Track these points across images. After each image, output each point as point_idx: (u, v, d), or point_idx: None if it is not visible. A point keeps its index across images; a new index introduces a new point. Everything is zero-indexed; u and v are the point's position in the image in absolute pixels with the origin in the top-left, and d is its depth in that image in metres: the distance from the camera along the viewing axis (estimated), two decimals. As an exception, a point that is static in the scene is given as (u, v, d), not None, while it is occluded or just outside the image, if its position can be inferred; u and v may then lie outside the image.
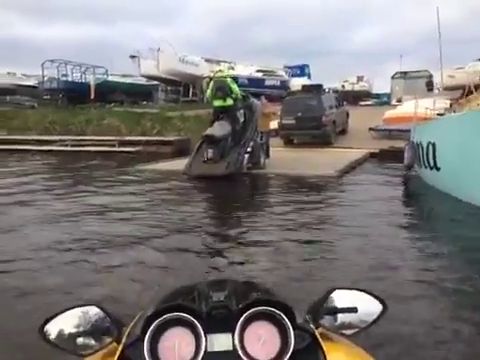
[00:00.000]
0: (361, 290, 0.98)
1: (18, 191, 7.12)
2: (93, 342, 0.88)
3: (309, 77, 26.44)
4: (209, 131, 8.36)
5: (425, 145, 6.88)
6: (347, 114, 15.04)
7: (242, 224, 5.08)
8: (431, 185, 6.87)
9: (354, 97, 24.24)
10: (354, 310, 0.92)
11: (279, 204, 6.14)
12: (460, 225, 4.87)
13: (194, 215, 5.53)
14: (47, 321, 0.89)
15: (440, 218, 5.58)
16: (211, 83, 8.92)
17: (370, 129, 13.37)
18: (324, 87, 15.32)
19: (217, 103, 8.68)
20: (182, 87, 21.12)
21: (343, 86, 26.49)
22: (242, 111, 9.03)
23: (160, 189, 7.35)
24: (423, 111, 8.29)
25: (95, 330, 0.89)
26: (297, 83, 19.54)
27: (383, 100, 25.39)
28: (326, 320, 0.93)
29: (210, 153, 8.20)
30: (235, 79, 8.80)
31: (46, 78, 20.83)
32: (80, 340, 0.88)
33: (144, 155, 11.82)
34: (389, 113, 14.33)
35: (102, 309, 0.92)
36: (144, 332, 0.81)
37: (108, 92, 20.42)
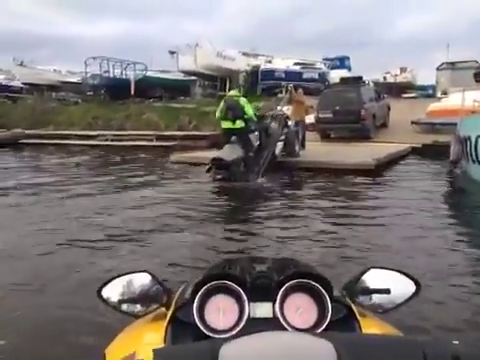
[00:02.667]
0: (396, 270, 1.00)
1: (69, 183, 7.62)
2: (145, 305, 0.98)
3: (349, 69, 25.63)
4: (218, 154, 7.40)
5: (474, 139, 6.47)
6: (388, 107, 14.47)
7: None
8: (478, 180, 6.47)
9: (396, 89, 23.29)
10: (387, 291, 0.95)
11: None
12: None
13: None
14: (104, 284, 0.99)
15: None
16: (221, 103, 7.84)
17: (412, 123, 12.79)
18: (364, 79, 14.80)
19: (225, 125, 7.60)
20: (219, 81, 21.17)
21: (385, 78, 25.50)
22: (257, 134, 7.96)
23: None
24: (470, 104, 7.80)
25: (147, 294, 0.98)
26: (336, 75, 19.01)
27: (427, 92, 24.15)
28: (360, 298, 0.97)
29: (220, 176, 7.34)
30: (248, 99, 7.74)
31: (89, 75, 21.56)
32: (133, 303, 0.98)
33: (179, 149, 12.01)
34: (433, 106, 13.61)
35: (153, 276, 1.01)
36: (193, 297, 0.87)
37: (147, 88, 20.82)
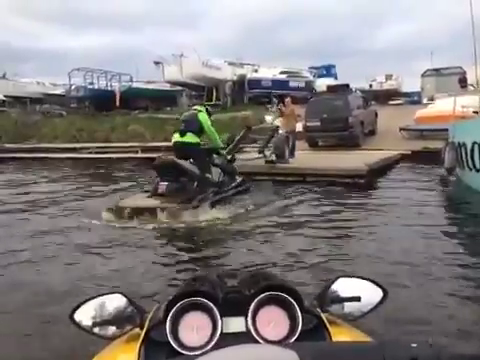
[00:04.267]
0: (364, 278, 1.03)
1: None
2: (118, 327, 0.97)
3: (336, 77, 25.77)
4: (173, 158, 6.18)
5: (470, 145, 6.30)
6: (376, 114, 14.43)
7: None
8: (475, 188, 6.29)
9: (383, 96, 23.42)
10: (358, 299, 0.98)
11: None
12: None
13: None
14: (77, 307, 0.97)
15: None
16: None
17: (401, 129, 12.72)
18: (351, 87, 14.76)
19: (175, 138, 6.36)
20: (206, 91, 21.01)
21: (371, 85, 25.67)
22: (219, 171, 6.71)
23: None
24: (459, 109, 7.70)
25: (121, 316, 0.98)
26: (323, 84, 19.02)
27: (413, 98, 24.38)
28: (331, 307, 0.99)
29: (163, 187, 5.80)
30: (209, 114, 6.59)
31: (73, 86, 21.22)
32: (106, 325, 0.97)
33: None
34: (421, 112, 13.61)
35: (126, 297, 1.00)
36: (165, 316, 0.88)
37: (133, 99, 20.55)
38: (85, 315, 0.97)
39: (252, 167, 8.85)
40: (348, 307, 0.99)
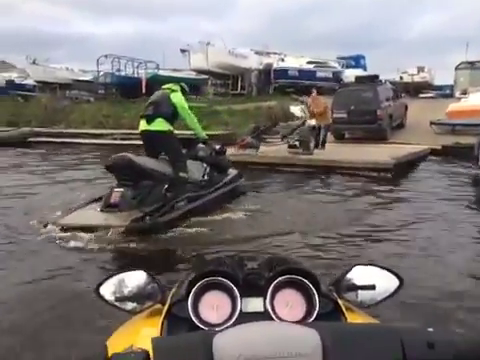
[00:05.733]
0: (380, 266, 1.03)
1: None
2: (139, 302, 1.01)
3: (365, 68, 25.09)
4: (129, 155, 4.64)
5: None
6: (405, 107, 13.98)
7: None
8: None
9: (414, 89, 22.68)
10: (372, 287, 1.00)
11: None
12: None
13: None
14: (102, 283, 1.03)
15: None
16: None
17: (431, 123, 12.28)
18: (380, 78, 14.32)
19: (141, 125, 5.10)
20: (231, 80, 20.87)
21: (401, 77, 24.84)
22: (204, 166, 5.45)
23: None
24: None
25: (143, 292, 1.02)
26: (351, 74, 18.55)
27: (445, 92, 23.50)
28: (347, 294, 1.01)
29: (117, 195, 4.42)
30: (184, 92, 5.25)
31: (101, 73, 21.51)
32: (128, 300, 1.01)
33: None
34: (453, 106, 13.07)
35: (149, 274, 1.04)
36: (187, 293, 0.91)
37: (158, 86, 20.51)
38: (109, 289, 1.02)
39: (273, 157, 8.73)
40: (363, 295, 1.00)
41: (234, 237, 4.27)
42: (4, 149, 12.10)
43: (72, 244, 3.95)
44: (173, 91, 5.13)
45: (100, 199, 4.65)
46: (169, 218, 4.48)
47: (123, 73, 21.45)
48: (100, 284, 1.03)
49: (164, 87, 5.32)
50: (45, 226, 4.24)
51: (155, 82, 21.02)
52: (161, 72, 21.76)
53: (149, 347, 0.60)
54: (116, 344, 0.86)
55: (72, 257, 3.74)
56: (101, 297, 1.02)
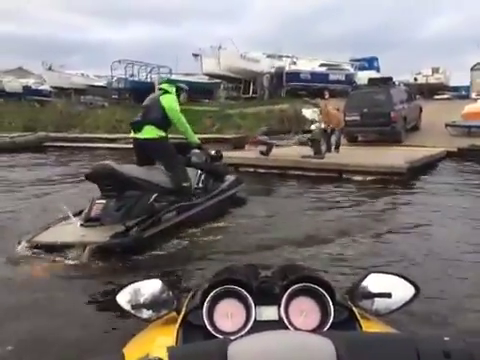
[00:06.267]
0: (395, 274, 1.02)
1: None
2: (155, 310, 1.02)
3: (378, 70, 24.83)
4: (111, 163, 4.17)
5: None
6: (420, 109, 13.78)
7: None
8: None
9: (428, 90, 22.34)
10: (388, 295, 0.98)
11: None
12: None
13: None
14: (120, 290, 1.05)
15: None
16: None
17: (447, 125, 12.07)
18: (394, 80, 14.16)
19: (131, 134, 4.74)
20: (243, 84, 20.91)
21: (416, 79, 24.52)
22: (198, 173, 5.11)
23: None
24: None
25: (158, 300, 1.03)
26: (364, 77, 18.38)
27: (461, 93, 23.10)
28: (362, 302, 1.00)
29: (98, 207, 3.98)
30: (179, 93, 4.83)
31: (115, 78, 21.81)
32: (144, 308, 1.03)
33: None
34: (469, 107, 12.84)
35: (164, 283, 1.06)
36: (202, 301, 0.92)
37: (171, 91, 20.86)
38: (125, 298, 1.05)
39: (284, 161, 8.70)
40: (378, 303, 0.99)
41: (242, 248, 3.96)
42: (16, 154, 12.37)
43: (37, 269, 3.37)
44: (165, 93, 4.69)
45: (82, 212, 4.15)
46: (155, 231, 3.98)
47: (136, 78, 21.70)
48: (118, 291, 1.06)
49: (158, 86, 4.87)
50: (19, 243, 3.73)
51: (168, 87, 21.39)
52: (174, 76, 21.92)
53: (164, 355, 0.60)
54: (132, 352, 0.86)
55: (26, 290, 3.06)
56: (119, 305, 1.05)
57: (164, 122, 4.58)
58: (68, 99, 22.90)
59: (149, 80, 21.60)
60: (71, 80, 23.93)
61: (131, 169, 4.34)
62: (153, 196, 4.16)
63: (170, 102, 4.60)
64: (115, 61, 21.52)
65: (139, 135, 4.55)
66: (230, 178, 5.67)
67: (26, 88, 25.87)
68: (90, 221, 3.92)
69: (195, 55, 20.18)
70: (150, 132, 4.52)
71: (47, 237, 3.81)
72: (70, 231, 3.86)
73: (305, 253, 3.82)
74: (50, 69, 23.45)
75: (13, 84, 26.06)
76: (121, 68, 21.74)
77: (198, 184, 5.04)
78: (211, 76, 21.46)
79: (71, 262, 3.48)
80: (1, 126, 18.86)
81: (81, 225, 3.91)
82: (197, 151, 5.19)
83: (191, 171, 4.92)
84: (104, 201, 3.99)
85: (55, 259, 3.51)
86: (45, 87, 25.08)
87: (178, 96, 4.75)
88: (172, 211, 4.35)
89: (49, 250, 3.62)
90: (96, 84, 23.94)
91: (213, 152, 5.46)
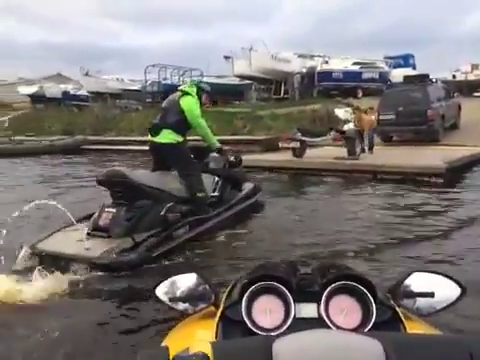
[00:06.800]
0: (440, 273, 0.99)
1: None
2: (192, 304, 1.04)
3: (414, 67, 24.04)
4: (122, 169, 4.10)
5: None
6: (459, 107, 13.22)
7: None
8: None
9: (467, 87, 21.42)
10: (431, 295, 0.95)
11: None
12: None
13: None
14: (158, 284, 1.08)
15: None
16: None
17: (488, 123, 11.51)
18: (431, 77, 13.67)
19: (149, 137, 4.48)
20: (274, 85, 20.83)
21: (454, 76, 23.57)
22: (215, 180, 4.79)
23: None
24: None
25: (195, 294, 1.04)
26: (399, 74, 17.84)
27: (504, 90, 21.96)
28: (404, 302, 0.97)
29: (107, 217, 3.73)
30: (200, 93, 4.46)
31: (148, 82, 22.32)
32: (183, 301, 1.05)
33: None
34: (513, 104, 12.20)
35: (201, 277, 1.07)
36: (241, 297, 0.92)
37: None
38: (163, 290, 1.07)
39: (317, 163, 8.59)
40: (421, 302, 0.97)
41: (278, 247, 3.95)
42: (56, 156, 12.92)
43: (32, 286, 2.96)
44: (184, 94, 4.37)
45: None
46: (164, 250, 3.67)
47: (169, 81, 22.09)
48: (157, 285, 1.08)
49: (179, 88, 4.62)
50: (21, 248, 3.48)
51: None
52: (205, 79, 22.17)
53: (206, 349, 0.61)
54: (173, 345, 0.87)
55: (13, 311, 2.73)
56: (158, 298, 1.07)
57: (183, 126, 4.33)
58: (104, 103, 23.65)
59: (181, 83, 21.96)
60: (107, 85, 24.70)
61: (143, 176, 4.15)
62: (165, 207, 3.86)
63: (190, 104, 4.32)
64: (149, 65, 22.04)
65: (156, 139, 4.33)
66: (248, 186, 5.36)
67: (65, 93, 26.93)
68: (97, 230, 3.68)
69: (226, 57, 20.32)
70: (167, 136, 4.28)
71: (50, 245, 3.56)
72: (75, 241, 3.58)
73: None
74: (87, 75, 24.32)
75: (53, 90, 27.21)
76: (154, 72, 22.23)
77: (214, 192, 4.72)
78: (242, 78, 21.53)
79: (72, 277, 3.17)
80: (42, 130, 19.81)
81: (88, 233, 3.66)
82: (216, 155, 4.88)
83: (208, 178, 4.62)
84: (114, 210, 3.74)
85: (55, 272, 3.16)
86: (83, 92, 26.03)
87: (199, 97, 4.45)
88: (185, 225, 4.03)
89: (50, 261, 3.32)
90: (131, 88, 24.59)
91: (232, 158, 5.11)
